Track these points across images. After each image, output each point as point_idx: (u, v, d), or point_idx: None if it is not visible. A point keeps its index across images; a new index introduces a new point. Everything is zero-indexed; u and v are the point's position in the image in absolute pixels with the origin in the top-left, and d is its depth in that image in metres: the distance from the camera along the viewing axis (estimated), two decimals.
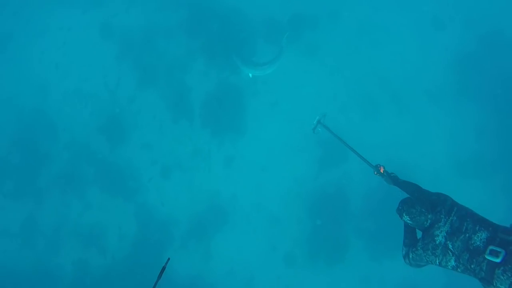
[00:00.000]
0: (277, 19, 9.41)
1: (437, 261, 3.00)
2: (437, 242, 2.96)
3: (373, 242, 8.60)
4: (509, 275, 2.51)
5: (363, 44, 9.54)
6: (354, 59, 9.54)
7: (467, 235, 2.86)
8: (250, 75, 8.34)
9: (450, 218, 2.98)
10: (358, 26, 9.54)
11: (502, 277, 2.56)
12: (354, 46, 9.53)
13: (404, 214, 3.22)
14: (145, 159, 9.27)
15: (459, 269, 2.91)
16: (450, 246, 2.92)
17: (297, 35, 9.32)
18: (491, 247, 2.64)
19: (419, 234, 3.39)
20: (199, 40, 9.40)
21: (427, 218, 3.10)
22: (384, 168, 3.73)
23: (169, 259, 2.59)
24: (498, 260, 2.57)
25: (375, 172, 3.80)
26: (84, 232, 8.92)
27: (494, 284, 2.61)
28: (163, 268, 2.35)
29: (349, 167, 9.43)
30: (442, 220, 3.01)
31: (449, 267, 2.95)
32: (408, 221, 3.22)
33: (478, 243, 2.78)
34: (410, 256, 3.20)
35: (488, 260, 2.65)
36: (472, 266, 2.76)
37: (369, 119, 9.62)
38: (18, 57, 9.64)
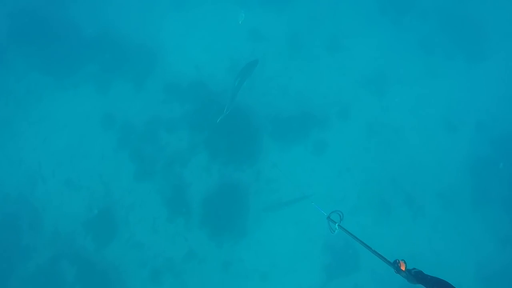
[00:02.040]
0: (284, 116, 10.91)
1: None
2: None
3: None
4: None
5: (373, 144, 11.03)
6: (364, 159, 10.95)
7: None
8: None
9: None
10: (368, 126, 11.17)
11: None
12: (363, 146, 11.03)
13: None
14: (134, 260, 10.05)
15: None
16: None
17: (305, 134, 10.74)
18: None
19: None
20: (203, 134, 10.85)
21: None
22: (405, 263, 3.68)
23: None
24: None
25: (395, 271, 3.74)
26: None
27: None
28: None
29: (361, 277, 10.17)
30: None
31: None
32: None
33: None
34: None
35: None
36: None
37: (381, 223, 10.67)
38: (15, 142, 10.95)
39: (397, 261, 3.76)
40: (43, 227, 10.55)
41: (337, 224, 4.59)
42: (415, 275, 3.60)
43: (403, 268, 3.69)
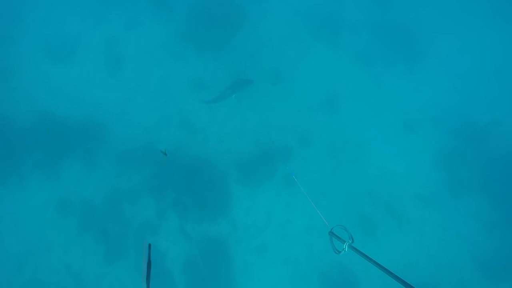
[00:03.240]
0: (246, 159, 11.85)
1: None
2: None
3: None
4: None
5: (340, 164, 12.17)
6: (335, 181, 11.97)
7: None
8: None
9: None
10: (331, 147, 12.45)
11: None
12: (331, 167, 12.11)
13: None
14: None
15: None
16: None
17: (272, 171, 11.69)
18: None
19: None
20: (168, 197, 11.49)
21: None
22: None
23: (150, 245, 3.20)
24: None
25: None
26: None
27: None
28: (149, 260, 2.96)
29: None
30: None
31: None
32: None
33: None
34: None
35: None
36: None
37: (369, 240, 11.54)
38: None
39: None
40: None
41: (346, 244, 4.20)
42: None
43: None
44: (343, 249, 4.27)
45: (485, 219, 12.17)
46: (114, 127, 12.57)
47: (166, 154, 10.36)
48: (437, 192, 12.38)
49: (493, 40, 14.30)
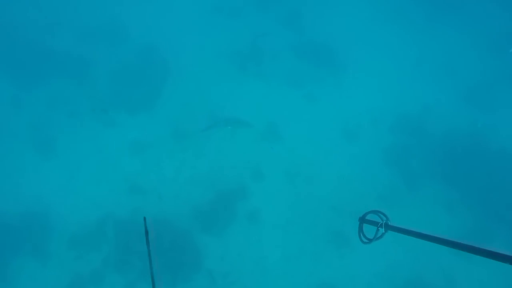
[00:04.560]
0: (205, 207, 11.90)
1: None
2: None
3: None
4: None
5: (300, 187, 12.58)
6: (299, 206, 12.31)
7: None
8: None
9: None
10: (285, 174, 12.74)
11: None
12: (292, 193, 12.55)
13: None
14: None
15: None
16: None
17: (233, 211, 11.82)
18: None
19: None
20: (134, 269, 11.28)
21: None
22: None
23: (145, 218, 3.16)
24: None
25: None
26: None
27: None
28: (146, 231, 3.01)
29: None
30: None
31: None
32: None
33: None
34: None
35: None
36: None
37: (345, 254, 11.87)
38: None
39: None
40: None
41: (383, 223, 3.70)
42: None
43: None
44: (382, 231, 3.70)
45: (445, 201, 12.93)
46: (59, 211, 12.20)
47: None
48: (397, 190, 13.03)
49: (406, 34, 15.76)
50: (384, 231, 3.70)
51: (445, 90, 14.72)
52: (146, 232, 3.23)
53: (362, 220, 4.06)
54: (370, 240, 3.90)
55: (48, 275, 11.39)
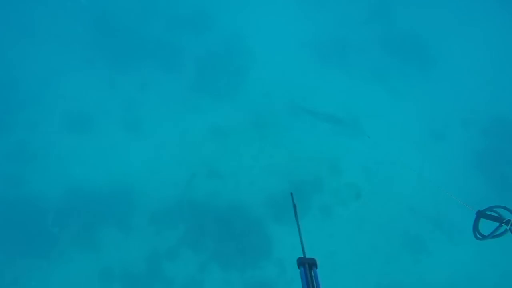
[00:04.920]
0: (278, 196, 12.03)
1: None
2: None
3: None
4: None
5: (377, 185, 12.19)
6: (374, 202, 11.93)
7: None
8: None
9: None
10: (362, 170, 12.31)
11: None
12: (368, 190, 12.12)
13: None
14: None
15: None
16: None
17: (307, 204, 11.82)
18: None
19: None
20: (207, 249, 11.66)
21: None
22: None
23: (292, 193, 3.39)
24: None
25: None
26: None
27: None
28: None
29: None
30: None
31: None
32: None
33: None
34: None
35: None
36: None
37: (423, 259, 11.32)
38: None
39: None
40: None
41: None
42: None
43: None
44: (506, 229, 3.44)
45: None
46: (144, 188, 13.03)
47: None
48: (483, 195, 12.16)
49: (507, 28, 14.51)
50: (508, 229, 3.43)
51: None
52: (294, 206, 3.44)
53: (481, 214, 3.87)
54: (484, 237, 3.75)
55: (130, 246, 12.25)
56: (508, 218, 3.43)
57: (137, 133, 13.92)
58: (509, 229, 3.42)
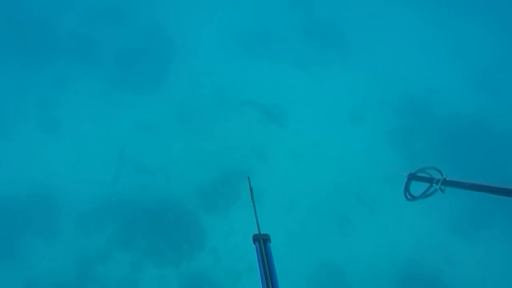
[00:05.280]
0: (207, 186, 12.12)
1: None
2: None
3: None
4: None
5: (303, 168, 12.75)
6: (302, 185, 12.44)
7: None
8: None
9: None
10: (289, 154, 12.78)
11: None
12: (295, 173, 12.61)
13: None
14: None
15: None
16: None
17: (236, 191, 12.03)
18: None
19: None
20: (139, 247, 11.53)
21: None
22: None
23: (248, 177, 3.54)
24: None
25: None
26: None
27: None
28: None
29: None
30: None
31: None
32: None
33: None
34: None
35: None
36: None
37: (349, 232, 12.04)
38: None
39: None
40: None
41: (441, 179, 3.41)
42: None
43: None
44: (436, 188, 3.49)
45: None
46: (67, 190, 12.48)
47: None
48: (399, 170, 13.12)
49: (415, 15, 15.68)
50: (438, 188, 3.51)
51: (452, 73, 14.71)
52: (251, 189, 3.53)
53: (412, 176, 3.91)
54: (415, 198, 3.84)
55: (56, 253, 11.70)
56: (438, 178, 3.54)
57: (56, 132, 13.27)
58: (439, 187, 3.52)
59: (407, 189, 3.93)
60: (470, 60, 15.46)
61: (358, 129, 13.84)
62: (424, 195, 3.71)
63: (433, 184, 3.55)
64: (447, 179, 3.43)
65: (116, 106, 13.65)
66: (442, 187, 3.44)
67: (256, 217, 3.38)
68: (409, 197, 3.90)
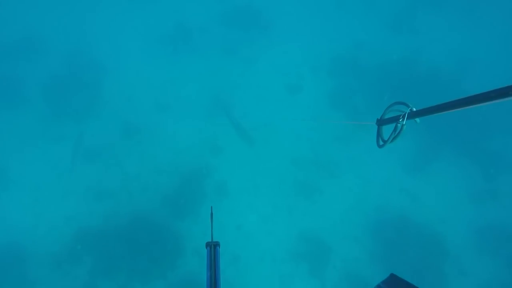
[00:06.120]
0: (174, 194, 12.26)
1: None
2: None
3: None
4: None
5: (258, 149, 13.00)
6: (262, 171, 12.82)
7: None
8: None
9: None
10: (243, 138, 13.05)
11: None
12: (253, 157, 12.89)
13: None
14: None
15: None
16: None
17: (202, 191, 12.23)
18: None
19: None
20: (122, 271, 11.55)
21: None
22: None
23: (211, 207, 3.96)
24: None
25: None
26: None
27: None
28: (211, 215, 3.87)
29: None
30: None
31: None
32: None
33: None
34: None
35: None
36: None
37: (317, 199, 12.61)
38: None
39: None
40: None
41: (405, 113, 3.29)
42: None
43: None
44: (403, 124, 3.33)
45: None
46: (33, 239, 12.27)
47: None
48: (346, 127, 13.83)
49: None
50: (404, 123, 3.34)
51: (370, 24, 15.44)
52: (211, 215, 3.97)
53: (380, 121, 3.68)
54: (385, 142, 3.63)
55: None
56: (403, 113, 3.31)
57: (3, 182, 12.83)
58: (404, 123, 3.33)
59: (379, 136, 3.73)
60: (382, 7, 16.25)
61: (299, 99, 14.29)
62: (393, 137, 3.51)
63: (399, 121, 3.36)
64: (414, 109, 3.29)
65: (58, 139, 13.37)
66: (417, 120, 3.27)
67: (212, 231, 3.78)
68: (380, 143, 3.69)
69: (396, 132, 3.46)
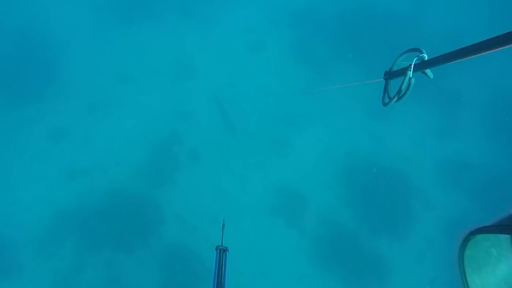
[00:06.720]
0: (147, 164, 12.38)
1: None
2: None
3: None
4: None
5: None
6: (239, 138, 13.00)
7: None
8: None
9: None
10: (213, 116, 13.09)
11: None
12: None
13: None
14: None
15: None
16: None
17: (175, 160, 12.40)
18: None
19: None
20: (107, 244, 11.80)
21: None
22: None
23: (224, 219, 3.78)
24: None
25: None
26: None
27: None
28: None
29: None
30: None
31: None
32: None
33: None
34: None
35: None
36: None
37: (289, 156, 13.02)
38: None
39: None
40: None
41: (413, 63, 2.77)
42: None
43: None
44: (410, 77, 2.79)
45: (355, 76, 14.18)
46: (12, 223, 12.17)
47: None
48: (311, 79, 14.04)
49: None
50: (411, 76, 2.80)
51: None
52: (223, 226, 3.81)
53: (389, 74, 3.16)
54: (390, 99, 3.11)
55: (28, 285, 11.67)
56: (410, 63, 2.75)
57: None
58: (411, 76, 2.77)
59: (385, 92, 3.18)
60: None
61: (262, 56, 14.29)
62: (399, 95, 2.98)
63: (407, 72, 2.82)
64: (426, 58, 2.74)
65: (20, 123, 13.03)
66: (429, 73, 2.76)
67: (222, 239, 3.71)
68: (385, 100, 3.16)
69: (404, 87, 2.89)
